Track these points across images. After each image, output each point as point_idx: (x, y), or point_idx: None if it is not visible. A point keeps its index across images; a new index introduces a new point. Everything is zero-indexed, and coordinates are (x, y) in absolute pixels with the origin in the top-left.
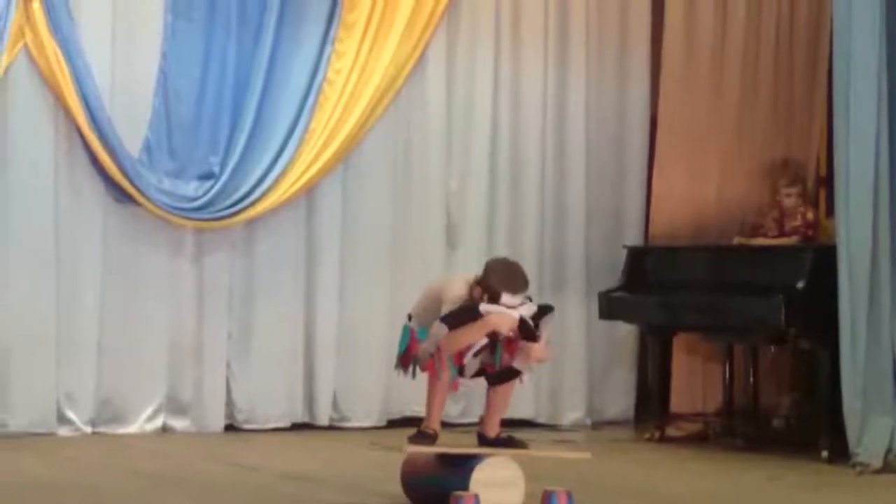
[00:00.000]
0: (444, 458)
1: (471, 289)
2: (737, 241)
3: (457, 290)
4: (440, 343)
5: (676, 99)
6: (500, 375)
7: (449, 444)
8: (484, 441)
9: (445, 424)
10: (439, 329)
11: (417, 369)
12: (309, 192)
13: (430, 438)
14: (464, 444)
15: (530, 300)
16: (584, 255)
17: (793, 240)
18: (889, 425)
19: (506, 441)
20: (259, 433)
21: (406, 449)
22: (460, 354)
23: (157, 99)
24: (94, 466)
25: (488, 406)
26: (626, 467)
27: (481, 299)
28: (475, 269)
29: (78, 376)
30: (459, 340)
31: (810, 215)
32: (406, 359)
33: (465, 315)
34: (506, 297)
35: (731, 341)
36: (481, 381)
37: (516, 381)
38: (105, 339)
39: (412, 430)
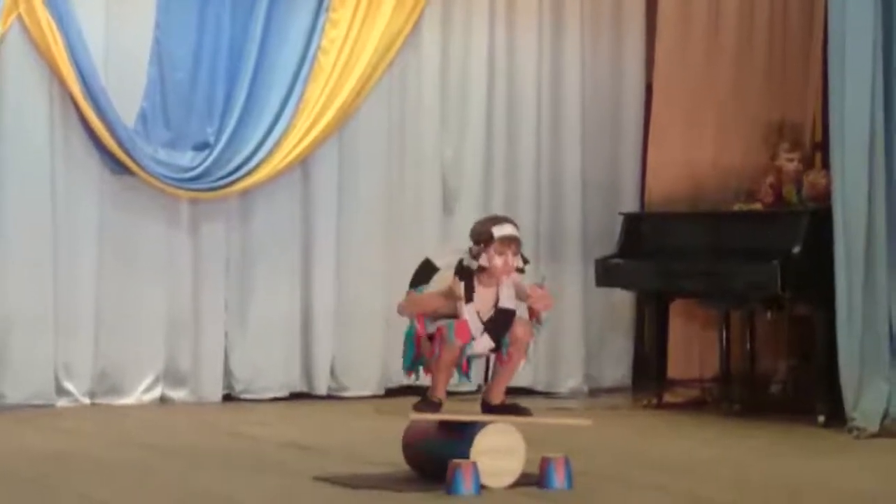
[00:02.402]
0: (447, 426)
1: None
2: (735, 207)
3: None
4: (402, 304)
5: (672, 66)
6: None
7: (453, 411)
8: (487, 408)
9: (449, 393)
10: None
11: (421, 371)
12: (304, 161)
13: (435, 406)
14: (468, 412)
15: (525, 261)
16: (580, 223)
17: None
18: (885, 390)
19: (510, 408)
20: (257, 403)
21: (411, 415)
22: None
23: (151, 69)
24: (92, 438)
25: (494, 373)
26: (624, 434)
27: (478, 250)
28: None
29: (76, 348)
30: (423, 303)
31: (823, 180)
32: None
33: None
34: (497, 229)
35: (727, 307)
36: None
37: (523, 351)
38: (102, 310)
39: (411, 400)
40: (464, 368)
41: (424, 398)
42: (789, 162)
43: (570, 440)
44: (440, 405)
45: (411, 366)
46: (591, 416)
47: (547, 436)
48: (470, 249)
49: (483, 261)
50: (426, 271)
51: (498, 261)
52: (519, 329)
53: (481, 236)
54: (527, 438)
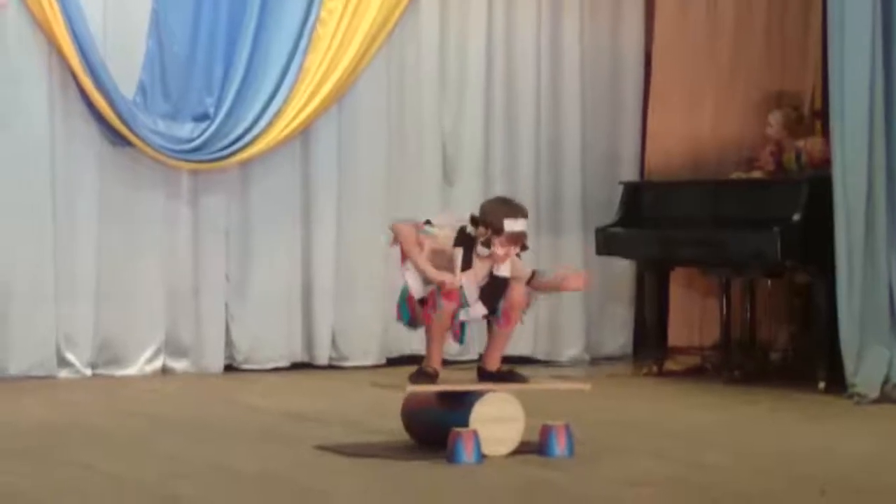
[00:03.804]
0: (445, 395)
1: (460, 236)
2: (735, 175)
3: (443, 235)
4: (398, 227)
5: (671, 35)
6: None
7: (449, 381)
8: (484, 375)
9: (446, 362)
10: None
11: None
12: (304, 132)
13: (431, 377)
14: (465, 380)
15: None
16: (580, 192)
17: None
18: (886, 356)
19: (506, 374)
20: (259, 373)
21: (407, 388)
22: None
23: (150, 40)
24: (94, 408)
25: (490, 340)
26: (625, 402)
27: (486, 236)
28: (471, 208)
29: (77, 319)
30: (411, 239)
31: (819, 147)
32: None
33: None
34: (508, 223)
35: (728, 275)
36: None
37: (518, 315)
38: (103, 281)
39: (412, 369)
40: (455, 333)
41: (420, 369)
42: (770, 126)
43: (571, 408)
44: (436, 375)
45: (409, 322)
46: (593, 385)
47: (547, 404)
48: (476, 226)
49: (486, 245)
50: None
51: (501, 251)
52: (515, 293)
53: (492, 224)
54: (527, 406)
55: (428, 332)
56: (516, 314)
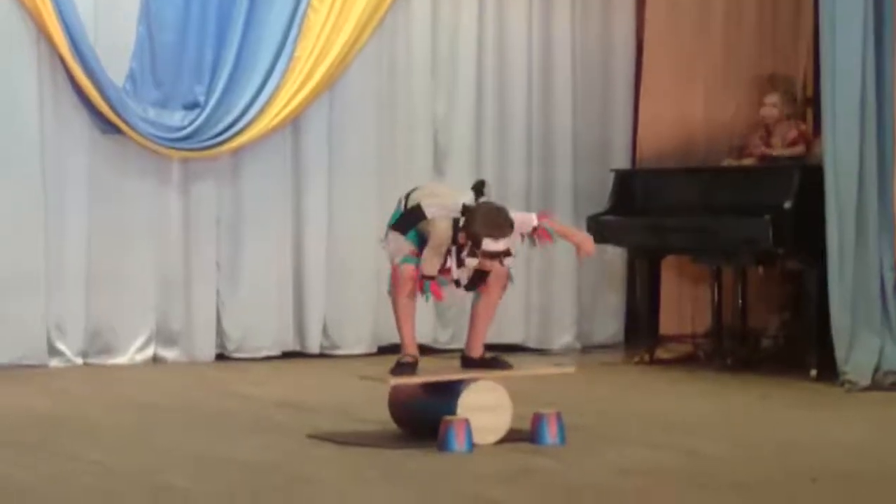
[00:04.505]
0: (431, 385)
1: (454, 230)
2: (727, 163)
3: (441, 230)
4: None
5: (662, 22)
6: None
7: (434, 369)
8: (467, 362)
9: (434, 351)
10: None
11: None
12: (295, 120)
13: (411, 367)
14: (449, 368)
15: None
16: (571, 180)
17: (795, 150)
18: (877, 343)
19: (489, 362)
20: (250, 362)
21: (390, 381)
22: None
23: (140, 27)
24: (85, 398)
25: (471, 326)
26: (617, 390)
27: (465, 245)
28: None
29: (68, 308)
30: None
31: (803, 126)
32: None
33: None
34: (487, 242)
35: (719, 263)
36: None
37: (497, 301)
38: (94, 270)
39: (395, 360)
40: (436, 295)
41: (398, 362)
42: (766, 107)
43: (563, 396)
44: (415, 364)
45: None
46: (584, 372)
47: (538, 391)
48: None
49: (470, 255)
50: (414, 217)
51: (484, 262)
52: (497, 269)
53: (473, 239)
54: (518, 394)
55: (396, 314)
56: (499, 286)
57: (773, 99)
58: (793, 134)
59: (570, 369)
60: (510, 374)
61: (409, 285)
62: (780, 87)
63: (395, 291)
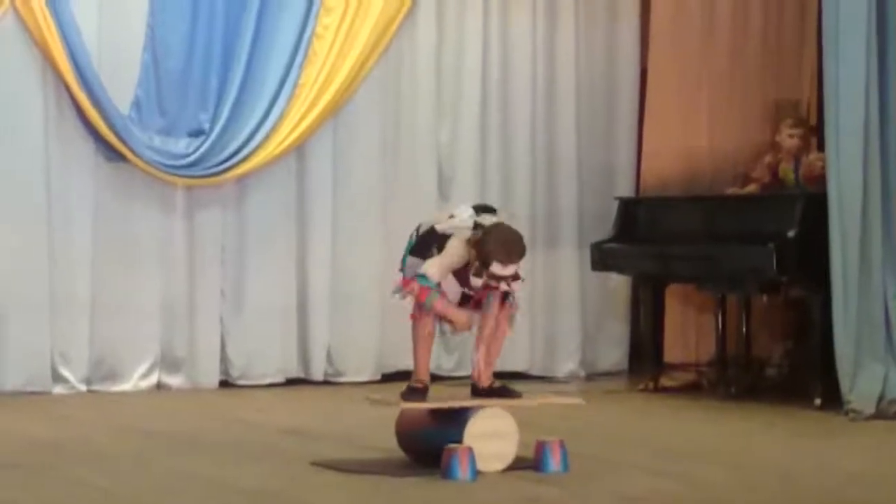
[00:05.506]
0: (438, 412)
1: (468, 249)
2: (731, 191)
3: (453, 247)
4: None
5: (666, 48)
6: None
7: (443, 396)
8: (477, 391)
9: (440, 378)
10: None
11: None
12: (299, 147)
13: (421, 392)
14: (458, 396)
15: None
16: (575, 207)
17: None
18: (881, 372)
19: (498, 390)
20: (254, 389)
21: (401, 406)
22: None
23: (146, 55)
24: (89, 424)
25: (479, 354)
26: (621, 417)
27: (474, 262)
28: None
29: (72, 335)
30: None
31: (820, 163)
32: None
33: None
34: (496, 266)
35: (723, 291)
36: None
37: (506, 330)
38: (98, 297)
39: (405, 385)
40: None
41: (409, 386)
42: (790, 138)
43: (566, 424)
44: (426, 390)
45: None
46: (588, 400)
47: (542, 419)
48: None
49: (476, 275)
50: (431, 240)
51: (489, 283)
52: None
53: (484, 260)
54: (522, 422)
55: (414, 342)
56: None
57: (796, 131)
58: (821, 168)
59: (580, 401)
60: (518, 403)
61: (429, 340)
62: (792, 114)
63: (417, 315)
